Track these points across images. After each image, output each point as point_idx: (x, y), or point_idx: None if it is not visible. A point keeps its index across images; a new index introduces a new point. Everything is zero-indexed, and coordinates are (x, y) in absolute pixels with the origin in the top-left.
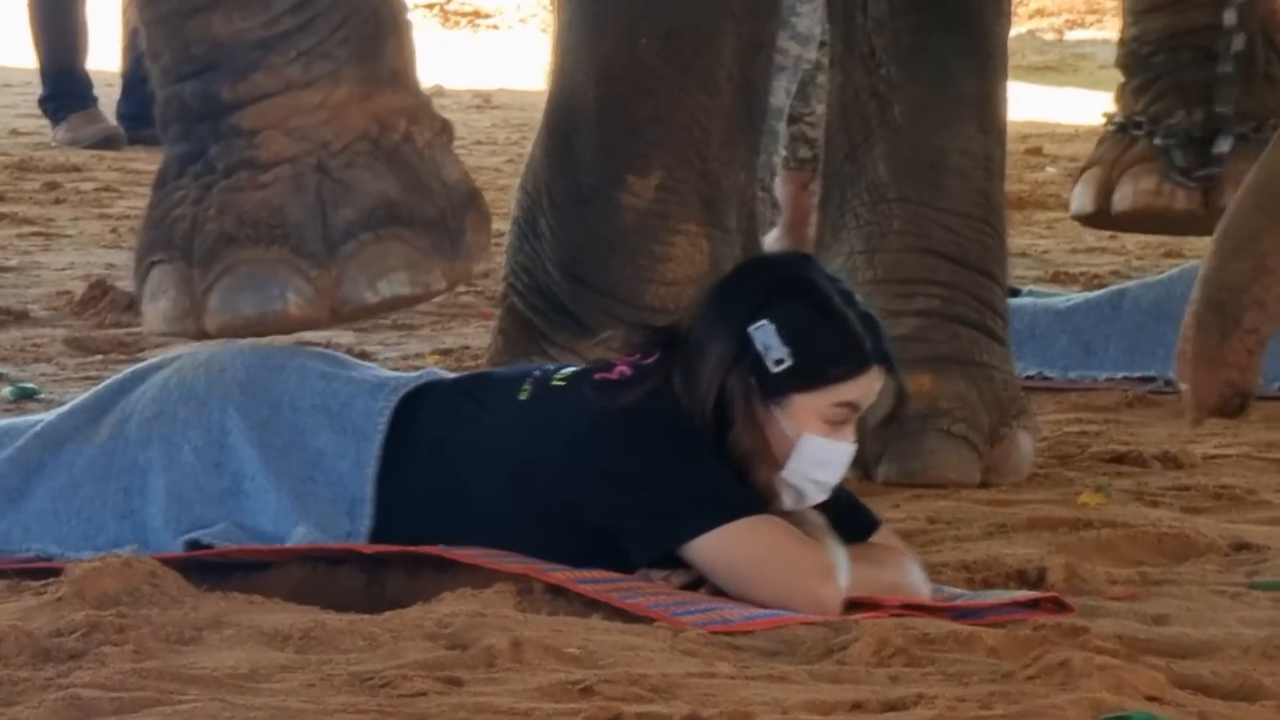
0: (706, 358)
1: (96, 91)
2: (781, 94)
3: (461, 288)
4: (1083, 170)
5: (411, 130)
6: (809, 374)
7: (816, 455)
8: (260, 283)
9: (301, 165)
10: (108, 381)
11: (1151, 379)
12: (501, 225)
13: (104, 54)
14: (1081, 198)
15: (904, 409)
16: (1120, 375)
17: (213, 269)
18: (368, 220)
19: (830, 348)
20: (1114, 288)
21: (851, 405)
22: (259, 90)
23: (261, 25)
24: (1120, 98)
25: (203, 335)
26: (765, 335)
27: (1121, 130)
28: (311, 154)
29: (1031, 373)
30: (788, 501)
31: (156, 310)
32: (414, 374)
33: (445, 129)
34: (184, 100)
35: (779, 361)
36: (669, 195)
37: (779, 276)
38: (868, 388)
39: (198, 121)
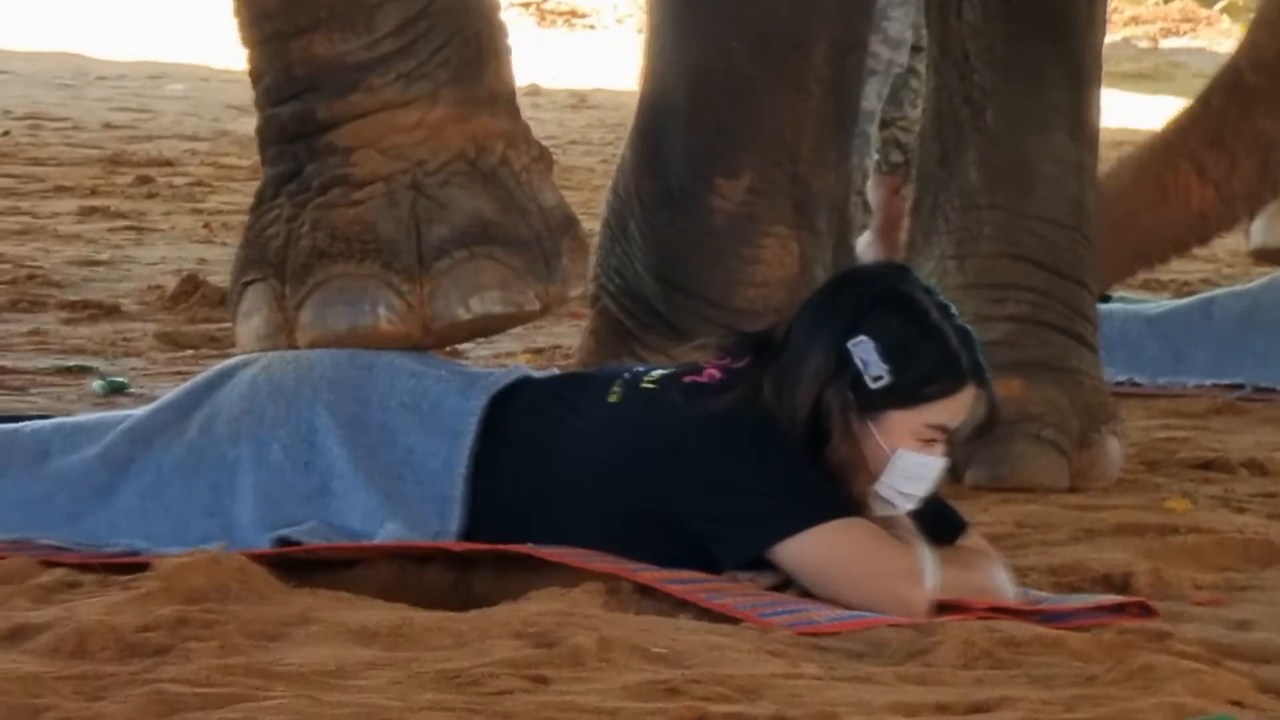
0: (803, 368)
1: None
2: (873, 98)
3: None
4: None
5: (509, 154)
6: (907, 392)
7: (909, 470)
8: (352, 297)
9: (396, 183)
10: (196, 378)
11: (1239, 386)
12: (594, 226)
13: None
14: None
15: (994, 421)
16: (1209, 383)
17: (304, 284)
18: (462, 238)
19: (928, 366)
20: (1203, 295)
21: (943, 428)
22: (356, 109)
23: (363, 47)
24: None
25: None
26: (864, 350)
27: None
28: (406, 172)
29: (1121, 379)
30: (877, 511)
31: (249, 329)
32: (503, 371)
33: (543, 156)
34: (282, 121)
35: (877, 378)
36: (759, 198)
37: (877, 289)
38: (961, 406)
39: (294, 141)
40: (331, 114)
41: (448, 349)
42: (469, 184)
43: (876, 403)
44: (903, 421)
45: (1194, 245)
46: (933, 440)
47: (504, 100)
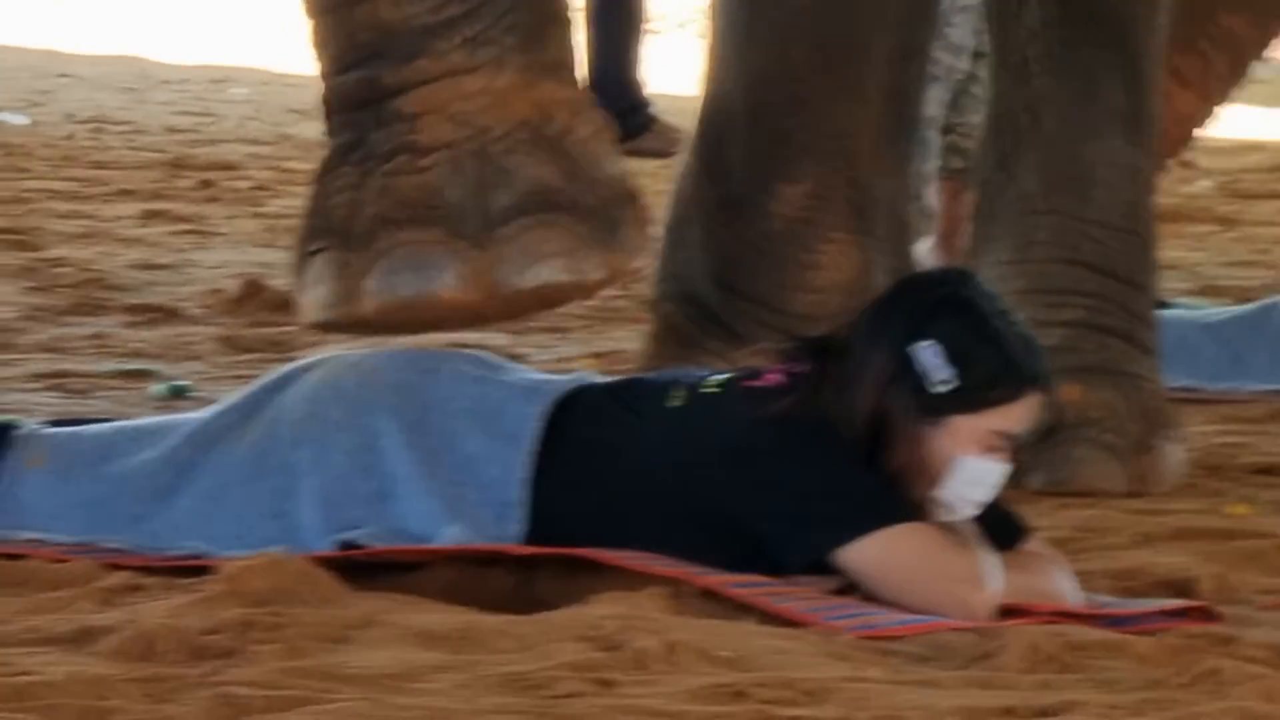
0: (864, 373)
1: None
2: (934, 104)
3: (614, 290)
4: None
5: (573, 122)
6: (970, 396)
7: (972, 475)
8: (417, 264)
9: (461, 150)
10: (258, 381)
11: None
12: (656, 230)
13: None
14: None
15: (1056, 423)
16: (1271, 387)
17: (370, 251)
18: (526, 205)
19: (991, 371)
20: (1263, 301)
21: (1007, 435)
22: (422, 75)
23: (428, 11)
24: None
25: (359, 321)
26: (927, 355)
27: None
28: (472, 139)
29: (1182, 383)
30: (940, 516)
31: (314, 297)
32: (566, 377)
33: (607, 126)
34: (347, 88)
35: (943, 382)
36: (819, 203)
37: (939, 294)
38: (1025, 412)
39: (360, 109)
40: (397, 80)
41: (510, 353)
42: (534, 151)
43: (939, 407)
44: (966, 427)
45: (1184, 144)
46: (995, 446)
47: (567, 68)
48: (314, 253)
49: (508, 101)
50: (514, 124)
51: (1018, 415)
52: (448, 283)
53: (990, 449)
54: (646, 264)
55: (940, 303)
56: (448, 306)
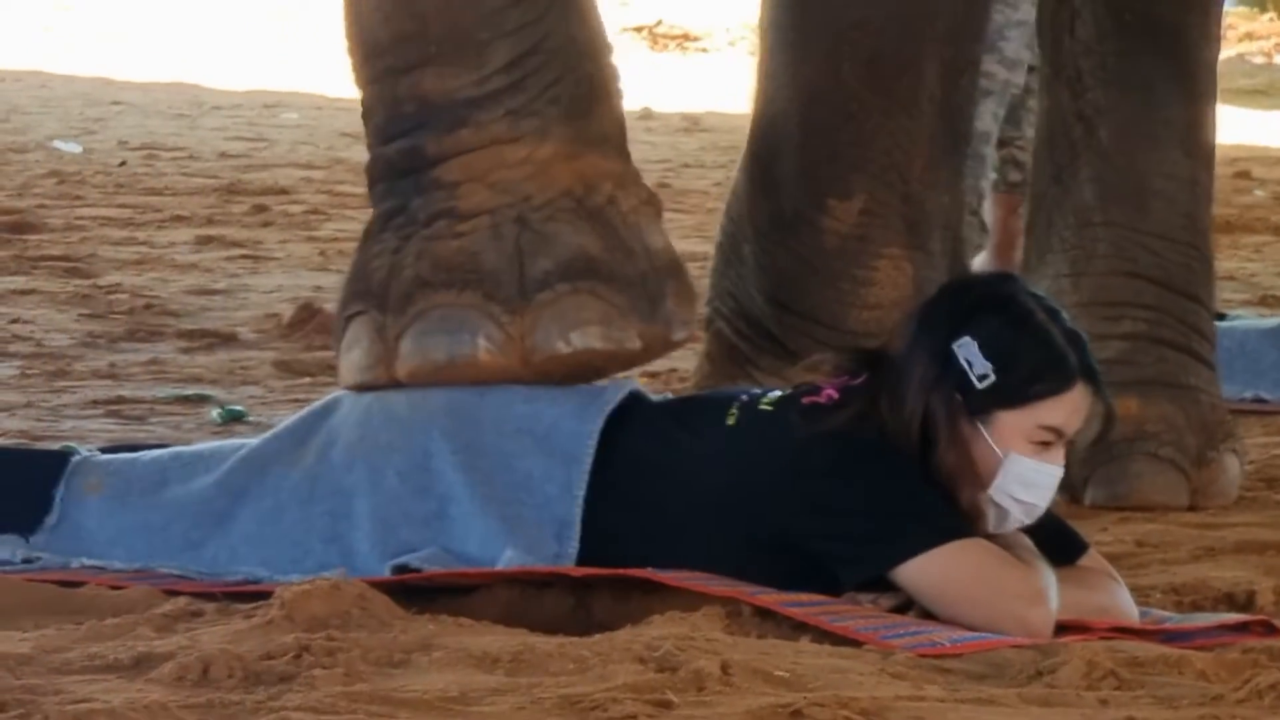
0: (910, 378)
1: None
2: (989, 118)
3: None
4: None
5: (616, 194)
6: (1013, 390)
7: (1022, 475)
8: (452, 327)
9: (501, 216)
10: (310, 406)
11: None
12: (707, 249)
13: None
14: None
15: (1111, 431)
16: None
17: (405, 314)
18: (565, 272)
19: (1034, 363)
20: None
21: (1056, 431)
22: (464, 145)
23: (473, 84)
24: None
25: (394, 384)
26: (968, 351)
27: None
28: (512, 206)
29: (1247, 395)
30: (992, 522)
31: (350, 361)
32: (613, 387)
33: (652, 200)
34: (390, 158)
35: (983, 377)
36: (872, 219)
37: (980, 293)
38: (1073, 407)
39: (402, 178)
40: (440, 149)
41: None
42: (575, 220)
43: (984, 404)
44: (1013, 423)
45: None
46: (1046, 444)
47: (614, 141)
48: (352, 316)
49: (550, 171)
50: (556, 193)
51: (1065, 410)
52: (481, 346)
53: (1040, 447)
54: (688, 335)
55: (981, 300)
56: (481, 370)
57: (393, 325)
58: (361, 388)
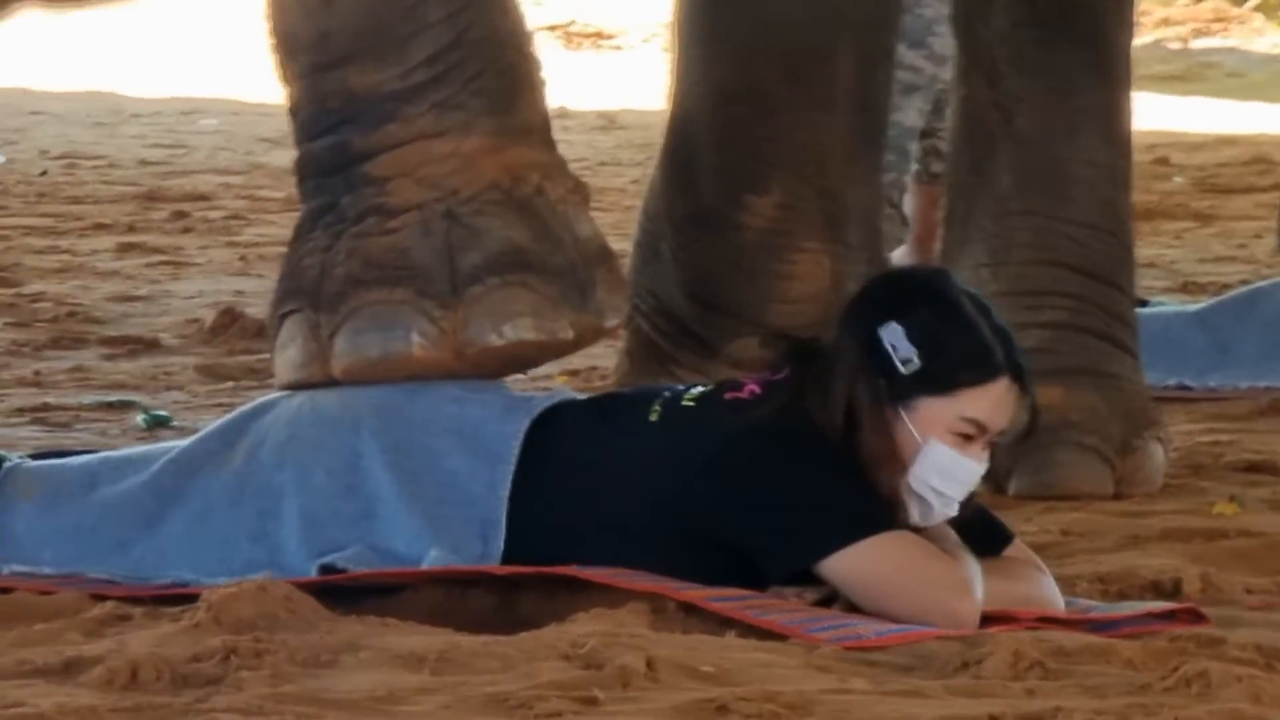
0: (837, 365)
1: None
2: (914, 114)
3: None
4: None
5: (544, 184)
6: (937, 377)
7: (940, 464)
8: (385, 324)
9: (430, 211)
10: (241, 407)
11: None
12: (626, 246)
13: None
14: None
15: (1036, 424)
16: (1262, 384)
17: (338, 312)
18: (495, 265)
19: (960, 353)
20: (1248, 288)
21: (978, 424)
22: (391, 140)
23: (396, 78)
24: None
25: (328, 381)
26: (893, 335)
27: None
28: (441, 201)
29: (1171, 382)
30: (914, 512)
31: (286, 359)
32: (545, 394)
33: (579, 188)
34: (318, 155)
35: (907, 362)
36: (790, 214)
37: (911, 284)
38: (996, 401)
39: (331, 174)
40: (367, 145)
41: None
42: (503, 213)
43: (908, 390)
44: (935, 411)
45: None
46: (969, 438)
47: (539, 132)
48: (286, 314)
49: (477, 164)
50: (483, 186)
51: (988, 402)
52: (415, 341)
53: (961, 439)
54: (620, 323)
55: (911, 291)
56: (415, 366)
57: (326, 323)
58: (297, 386)
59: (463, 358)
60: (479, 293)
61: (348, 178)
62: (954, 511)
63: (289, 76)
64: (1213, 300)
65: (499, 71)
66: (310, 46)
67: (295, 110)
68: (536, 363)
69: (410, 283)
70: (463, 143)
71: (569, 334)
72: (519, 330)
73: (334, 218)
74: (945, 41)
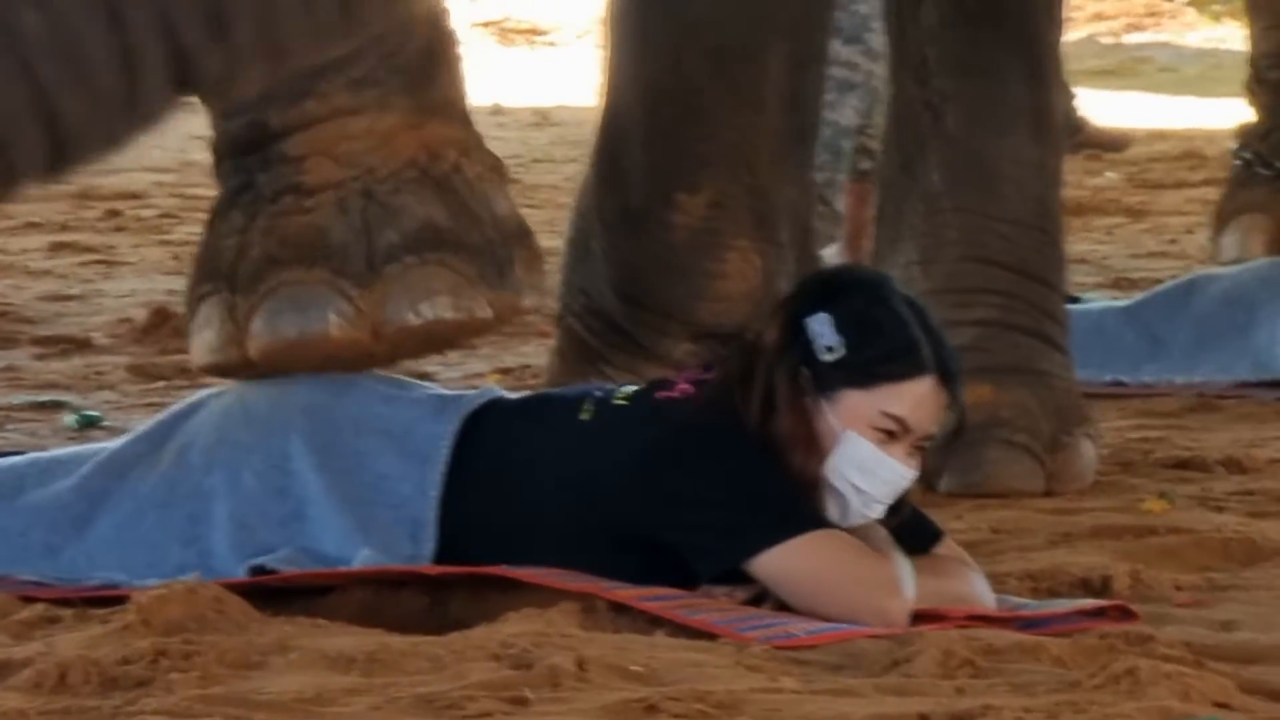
0: (761, 354)
1: None
2: (849, 112)
3: None
4: (1225, 214)
5: (461, 161)
6: (860, 368)
7: (858, 457)
8: (302, 303)
9: (347, 190)
10: (170, 409)
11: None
12: (558, 244)
13: None
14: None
15: (965, 424)
16: (1197, 379)
17: (256, 292)
18: (412, 243)
19: (885, 346)
20: (1182, 279)
21: (899, 421)
22: (308, 117)
23: None
24: (1244, 129)
25: (246, 363)
26: (819, 324)
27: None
28: (357, 179)
29: (1106, 378)
30: (832, 508)
31: (202, 342)
32: (474, 393)
33: (497, 166)
34: (235, 134)
35: (829, 349)
36: (720, 212)
37: (846, 280)
38: (919, 399)
39: (248, 154)
40: (283, 123)
41: (418, 371)
42: (420, 191)
43: (830, 380)
44: (857, 404)
45: None
46: (891, 435)
47: (456, 108)
48: (203, 296)
49: (394, 141)
50: (400, 163)
51: (910, 399)
52: (332, 321)
53: (882, 435)
54: (538, 303)
55: (846, 286)
56: (333, 345)
57: (243, 304)
58: (215, 369)
59: (381, 337)
60: (396, 271)
61: (265, 156)
62: (876, 513)
63: None
64: (1144, 295)
65: (415, 48)
66: None
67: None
68: (455, 342)
69: (327, 262)
70: (379, 119)
71: (487, 312)
72: (437, 309)
73: (251, 197)
74: (882, 38)
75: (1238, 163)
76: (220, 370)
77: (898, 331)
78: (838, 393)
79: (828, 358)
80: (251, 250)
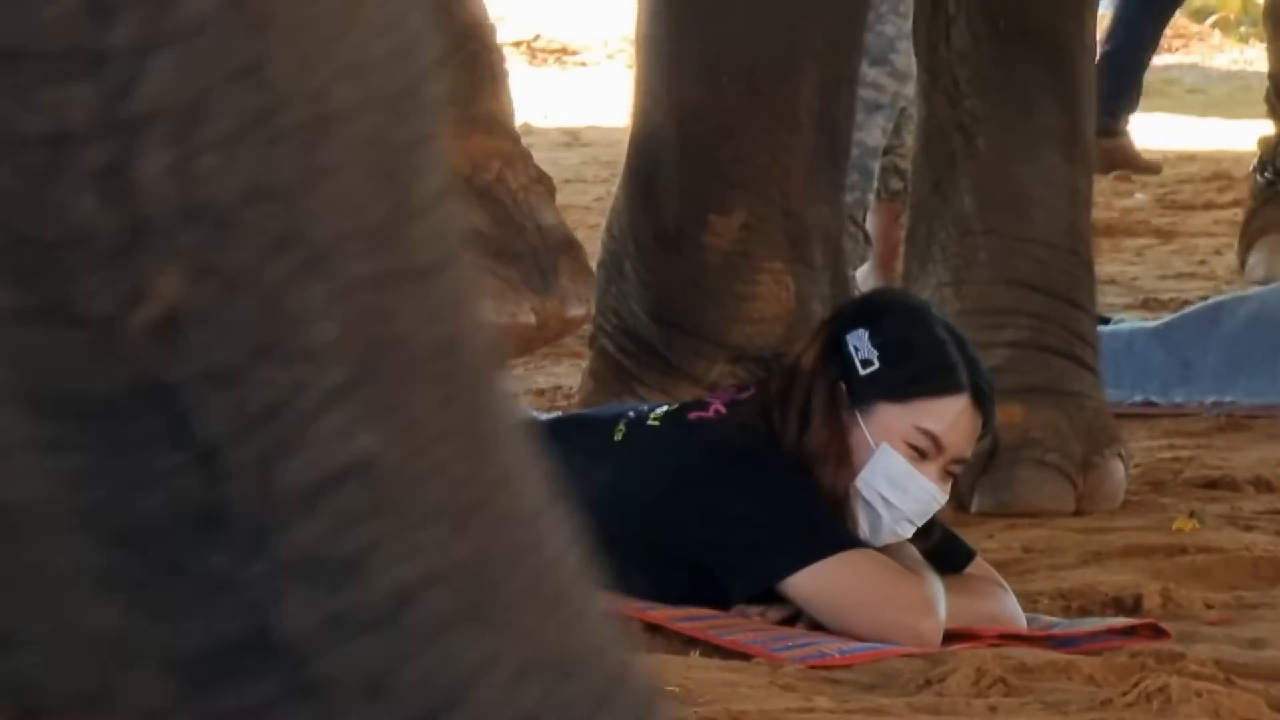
0: (800, 374)
1: None
2: (877, 133)
3: None
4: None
5: (505, 173)
6: (896, 383)
7: (891, 471)
8: None
9: None
10: None
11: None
12: (591, 265)
13: None
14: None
15: (998, 447)
16: (1223, 399)
17: None
18: None
19: (922, 362)
20: (1209, 302)
21: (933, 438)
22: None
23: None
24: (1264, 145)
25: None
26: (857, 338)
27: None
28: None
29: (1137, 398)
30: (862, 522)
31: None
32: None
33: (543, 179)
34: None
35: (866, 364)
36: (752, 234)
37: (885, 300)
38: (954, 417)
39: None
40: None
41: None
42: (462, 200)
43: (866, 393)
44: (891, 418)
45: None
46: (923, 451)
47: (501, 121)
48: None
49: None
50: None
51: (946, 417)
52: None
53: (916, 450)
54: (586, 312)
55: (886, 306)
56: None
57: None
58: None
59: None
60: None
61: None
62: (906, 532)
63: None
64: (1174, 316)
65: (460, 62)
66: None
67: None
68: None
69: None
70: None
71: (530, 318)
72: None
73: None
74: (907, 59)
75: (1260, 180)
76: None
77: (935, 350)
78: (873, 406)
79: (865, 371)
80: None
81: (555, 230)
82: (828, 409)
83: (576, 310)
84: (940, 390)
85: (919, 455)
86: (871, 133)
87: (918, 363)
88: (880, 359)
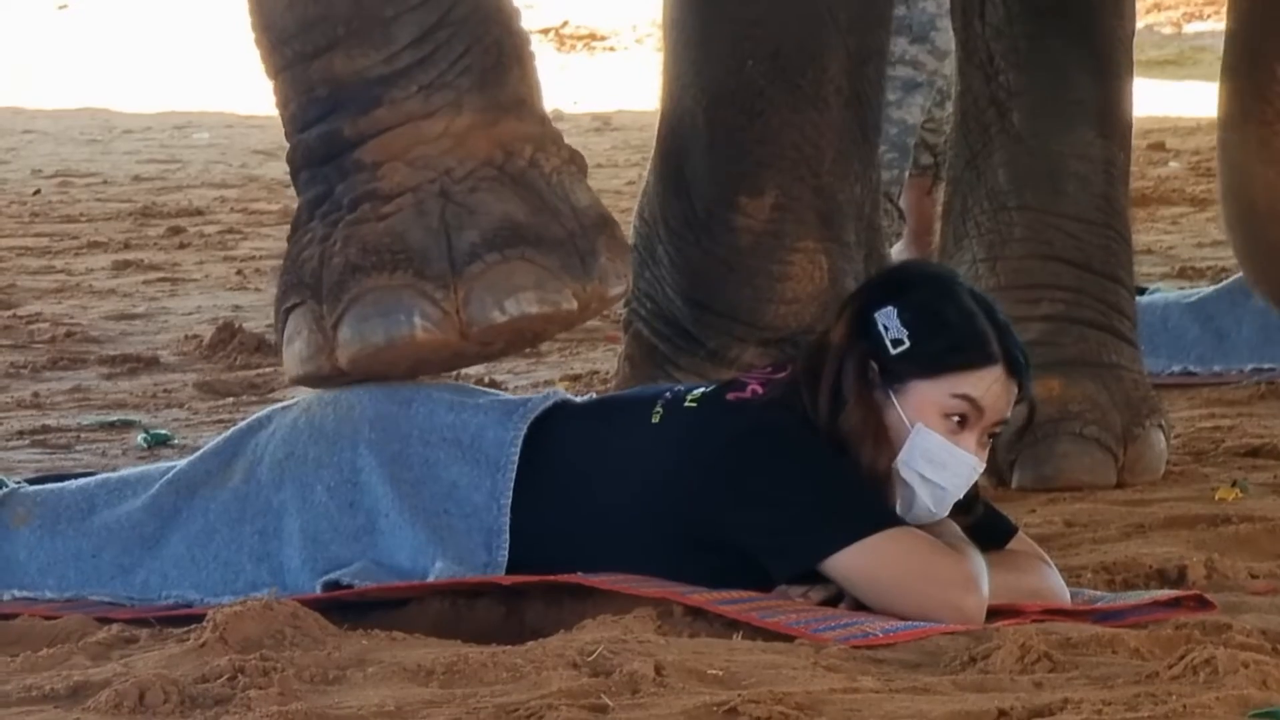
0: (829, 351)
1: None
2: (917, 110)
3: None
4: None
5: (537, 156)
6: (928, 359)
7: (929, 450)
8: (386, 309)
9: (424, 192)
10: (237, 425)
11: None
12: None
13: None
14: None
15: (1034, 417)
16: (1262, 366)
17: (340, 301)
18: (493, 241)
19: (953, 337)
20: (1240, 275)
21: (970, 401)
22: (380, 124)
23: (382, 62)
24: None
25: (337, 372)
26: (886, 317)
27: None
28: (434, 181)
29: (1175, 369)
30: (902, 502)
31: (293, 353)
32: (539, 397)
33: (575, 159)
34: (310, 145)
35: (897, 343)
36: (784, 214)
37: (913, 274)
38: (988, 385)
39: (323, 164)
40: (356, 131)
41: (488, 380)
42: (498, 188)
43: (898, 372)
44: (926, 394)
45: None
46: (962, 423)
47: (530, 105)
48: (289, 309)
49: (468, 141)
50: (477, 163)
51: (981, 385)
52: (418, 325)
53: (954, 425)
54: (625, 288)
55: (914, 279)
56: (421, 348)
57: (329, 314)
58: (306, 379)
59: (467, 337)
60: (478, 270)
61: (340, 166)
62: (945, 509)
63: (274, 69)
64: (1209, 289)
65: (486, 48)
66: (294, 37)
67: (284, 102)
68: (543, 336)
69: (409, 265)
70: (453, 121)
71: (573, 304)
72: (521, 304)
73: (329, 207)
74: (948, 36)
75: None
76: (313, 380)
77: (965, 323)
78: (906, 384)
79: (896, 350)
80: (333, 259)
81: (591, 210)
82: (860, 390)
83: (617, 288)
84: (973, 363)
85: (957, 426)
86: (911, 110)
87: (948, 337)
88: (910, 337)
